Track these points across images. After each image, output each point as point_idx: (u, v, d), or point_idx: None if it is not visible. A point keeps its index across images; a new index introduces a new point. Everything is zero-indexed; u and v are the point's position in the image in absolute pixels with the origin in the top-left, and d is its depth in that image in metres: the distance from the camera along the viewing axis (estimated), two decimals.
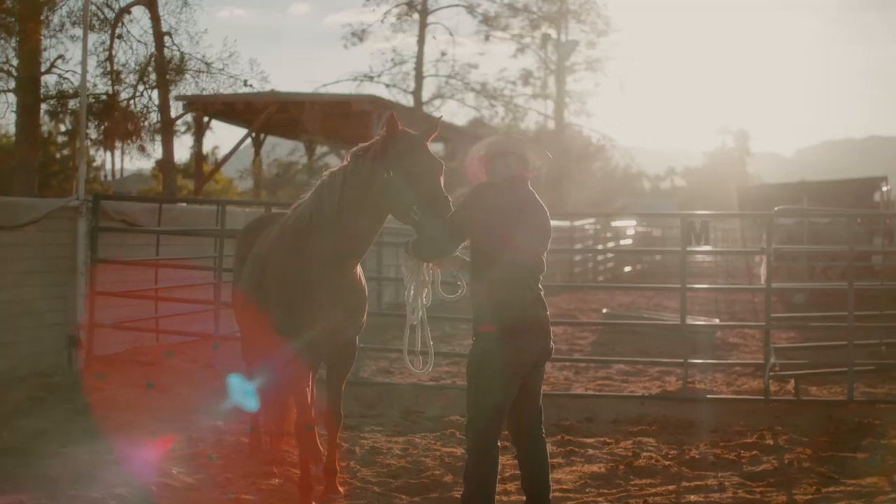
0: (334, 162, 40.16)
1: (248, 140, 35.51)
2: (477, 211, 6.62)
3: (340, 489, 8.08)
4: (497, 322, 6.61)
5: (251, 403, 8.13)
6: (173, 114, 22.46)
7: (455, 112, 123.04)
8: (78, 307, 13.19)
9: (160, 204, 15.08)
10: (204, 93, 21.96)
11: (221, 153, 47.03)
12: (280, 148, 39.56)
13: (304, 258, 7.48)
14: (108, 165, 50.95)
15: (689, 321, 15.82)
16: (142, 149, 22.41)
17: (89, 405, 10.93)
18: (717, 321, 19.84)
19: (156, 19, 20.60)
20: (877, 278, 30.21)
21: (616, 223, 41.13)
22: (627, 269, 40.82)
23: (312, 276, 7.44)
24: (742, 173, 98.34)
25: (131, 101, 20.98)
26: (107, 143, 22.99)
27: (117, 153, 42.05)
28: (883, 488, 8.35)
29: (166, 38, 20.87)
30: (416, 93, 36.92)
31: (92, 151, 29.89)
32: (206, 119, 31.39)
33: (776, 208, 12.87)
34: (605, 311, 22.58)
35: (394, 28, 37.41)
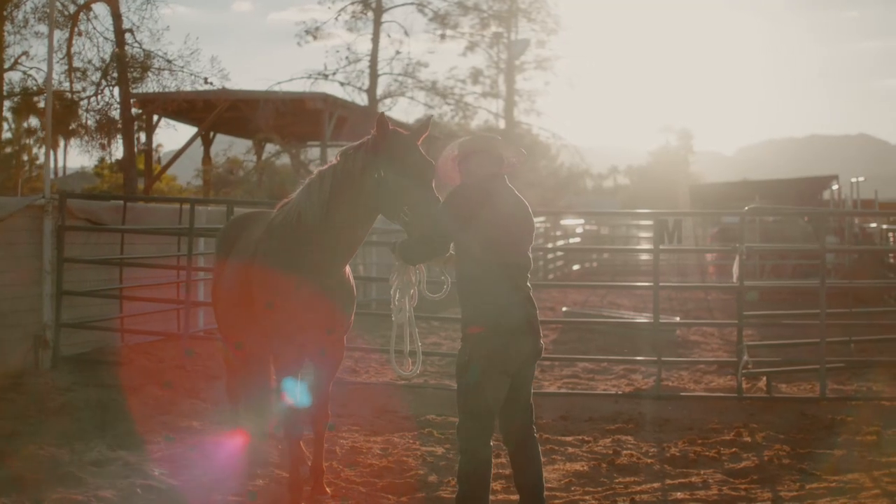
0: (286, 161, 40.00)
1: (195, 137, 35.30)
2: (461, 211, 6.59)
3: (327, 490, 8.02)
4: (486, 323, 6.59)
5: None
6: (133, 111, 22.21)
7: (408, 111, 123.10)
8: (45, 307, 12.98)
9: (124, 202, 14.88)
10: (166, 90, 21.75)
11: (164, 151, 46.61)
12: (236, 147, 39.26)
13: (293, 257, 7.41)
14: (53, 163, 50.20)
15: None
16: (102, 146, 22.14)
17: (62, 406, 10.76)
18: (677, 319, 19.94)
19: (116, 16, 20.35)
20: (829, 276, 30.79)
21: (564, 221, 41.18)
22: (576, 267, 40.96)
23: (301, 276, 7.37)
24: (685, 172, 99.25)
25: (93, 99, 20.73)
26: (67, 139, 22.65)
27: (60, 150, 41.45)
28: (864, 484, 8.45)
29: (128, 35, 20.63)
30: (371, 91, 36.80)
31: (36, 149, 29.50)
32: (155, 117, 31.12)
33: (746, 207, 12.96)
34: (564, 309, 22.58)
35: (348, 26, 37.31)
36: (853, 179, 31.35)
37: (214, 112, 31.45)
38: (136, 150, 23.32)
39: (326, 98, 34.47)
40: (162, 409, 11.07)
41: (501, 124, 50.33)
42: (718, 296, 30.20)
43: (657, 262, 12.69)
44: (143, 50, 20.74)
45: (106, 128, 21.46)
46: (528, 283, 6.84)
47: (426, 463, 9.18)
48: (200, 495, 7.99)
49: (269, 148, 40.07)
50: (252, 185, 36.04)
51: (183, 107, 26.86)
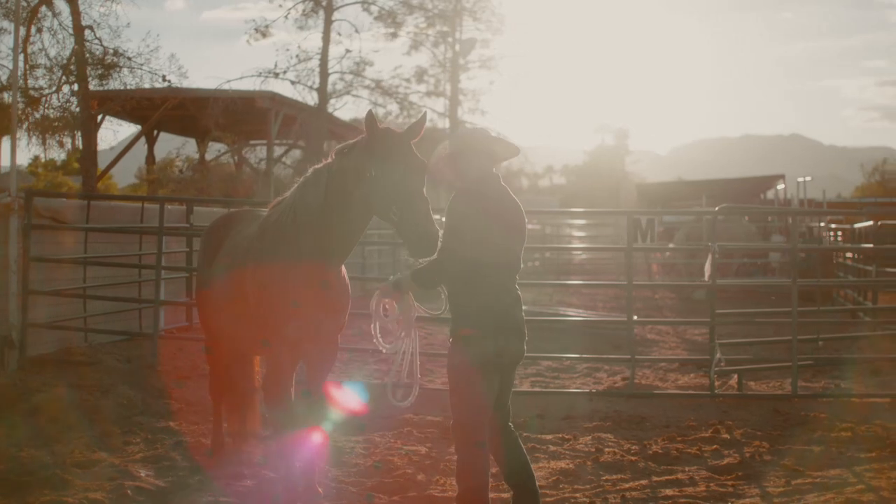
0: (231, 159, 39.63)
1: (140, 136, 34.85)
2: (459, 222, 6.57)
3: (320, 490, 7.97)
4: (479, 325, 6.59)
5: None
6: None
7: (354, 109, 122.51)
8: (10, 307, 12.75)
9: (88, 201, 14.68)
10: (128, 87, 21.48)
11: (100, 149, 45.91)
12: (190, 146, 38.85)
13: (288, 256, 7.35)
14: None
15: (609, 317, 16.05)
16: (60, 144, 21.83)
17: (35, 408, 10.59)
18: (635, 318, 20.04)
19: (76, 13, 20.05)
20: (774, 275, 31.25)
21: None
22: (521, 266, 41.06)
23: (296, 275, 7.31)
24: (621, 171, 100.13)
25: (54, 96, 20.43)
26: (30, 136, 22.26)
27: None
28: (848, 480, 8.57)
29: (88, 32, 20.34)
30: (322, 89, 36.56)
31: None
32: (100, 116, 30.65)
33: (718, 206, 13.08)
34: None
35: (298, 24, 37.04)
36: (799, 179, 31.78)
37: (159, 110, 31.05)
38: (52, 149, 23.03)
39: (273, 97, 34.20)
40: (136, 410, 10.97)
41: (446, 123, 50.34)
42: (665, 294, 30.55)
43: (630, 260, 12.79)
44: (103, 47, 20.49)
45: (62, 125, 21.13)
46: (517, 285, 6.85)
47: (412, 462, 9.15)
48: (191, 496, 7.93)
49: (214, 146, 39.76)
50: (197, 184, 35.62)
51: (130, 105, 26.54)
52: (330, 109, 37.88)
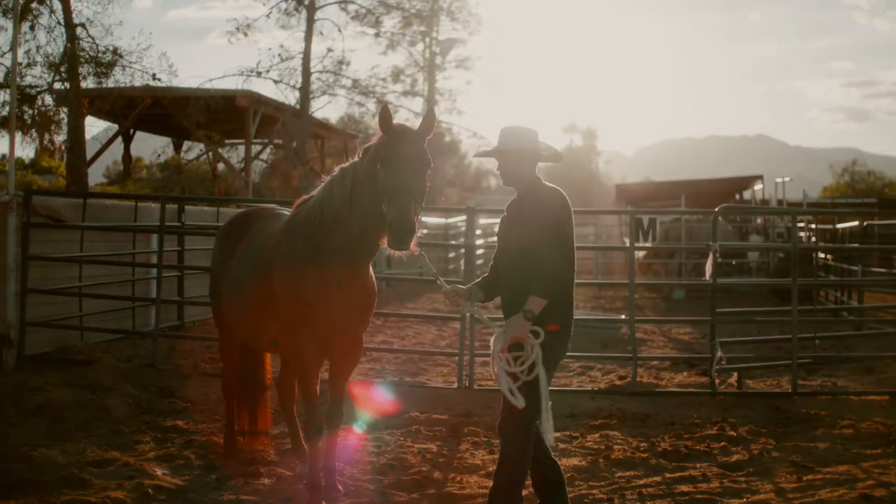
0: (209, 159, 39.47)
1: (117, 135, 34.66)
2: (565, 226, 6.67)
3: (340, 488, 7.99)
4: (561, 322, 6.72)
5: None
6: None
7: (332, 108, 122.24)
8: (9, 305, 12.68)
9: (84, 199, 14.60)
10: (121, 85, 21.38)
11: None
12: (169, 145, 38.72)
13: (318, 255, 7.33)
14: None
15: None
16: (52, 142, 21.68)
17: (40, 407, 10.54)
18: (622, 316, 20.19)
19: (67, 10, 19.93)
20: (752, 275, 31.52)
21: (484, 220, 41.36)
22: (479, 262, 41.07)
23: (326, 273, 7.31)
24: (591, 171, 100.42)
25: (45, 93, 20.30)
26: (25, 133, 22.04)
27: None
28: (857, 475, 8.67)
29: (81, 30, 20.22)
30: (304, 89, 36.51)
31: None
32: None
33: (718, 207, 13.18)
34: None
35: (280, 23, 37.04)
36: (778, 180, 32.06)
37: (137, 109, 30.90)
38: (19, 147, 22.83)
39: (251, 95, 34.12)
40: (141, 409, 10.94)
41: None
42: (643, 293, 30.68)
43: (632, 259, 12.87)
44: (96, 44, 20.36)
45: (45, 123, 21.00)
46: None
47: (426, 460, 9.17)
48: (213, 495, 7.93)
49: (191, 145, 39.60)
50: (172, 185, 35.46)
51: (120, 103, 26.36)
52: (315, 109, 37.96)
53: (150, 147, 41.69)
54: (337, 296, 7.32)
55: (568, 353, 13.80)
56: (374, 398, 11.42)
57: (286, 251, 7.60)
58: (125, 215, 15.91)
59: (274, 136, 35.87)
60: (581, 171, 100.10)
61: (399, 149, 6.76)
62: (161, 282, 13.74)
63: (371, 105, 45.33)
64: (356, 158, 7.37)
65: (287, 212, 8.52)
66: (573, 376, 14.40)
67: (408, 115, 50.61)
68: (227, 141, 39.66)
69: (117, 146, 36.52)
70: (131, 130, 37.03)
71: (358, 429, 10.13)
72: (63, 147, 23.97)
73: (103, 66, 20.34)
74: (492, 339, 6.72)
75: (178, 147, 40.61)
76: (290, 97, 36.99)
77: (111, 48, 20.54)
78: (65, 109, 21.02)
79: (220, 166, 38.34)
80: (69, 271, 14.20)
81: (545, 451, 7.00)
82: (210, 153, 37.69)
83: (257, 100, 34.34)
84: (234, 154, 38.71)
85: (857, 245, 19.95)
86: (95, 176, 66.20)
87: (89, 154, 32.33)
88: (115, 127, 34.95)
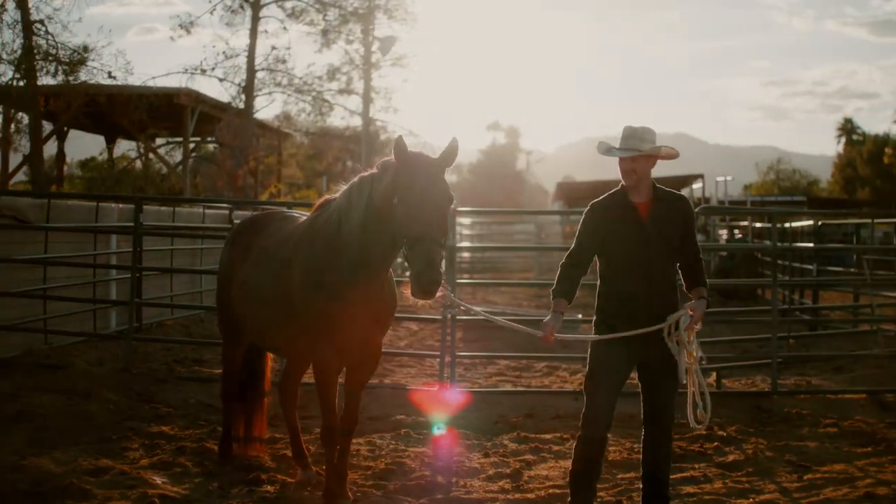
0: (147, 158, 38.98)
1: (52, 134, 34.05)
2: None
3: (350, 495, 7.88)
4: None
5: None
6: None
7: (270, 108, 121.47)
8: None
9: (48, 199, 14.28)
10: (72, 82, 20.98)
11: None
12: (123, 145, 38.21)
13: (339, 260, 7.19)
14: None
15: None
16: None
17: (20, 414, 10.22)
18: (580, 316, 20.16)
19: (24, 8, 19.50)
20: (709, 275, 31.76)
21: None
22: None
23: (349, 279, 7.15)
24: (515, 170, 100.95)
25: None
26: None
27: None
28: (854, 474, 8.79)
29: (39, 27, 19.78)
30: (248, 87, 36.15)
31: None
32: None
33: (699, 207, 13.28)
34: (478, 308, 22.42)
35: (224, 20, 36.64)
36: (719, 178, 32.45)
37: (73, 108, 30.35)
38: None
39: (189, 93, 33.78)
40: (123, 415, 10.66)
41: (358, 122, 50.13)
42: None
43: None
44: (56, 42, 19.95)
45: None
46: None
47: (425, 464, 9.11)
48: (219, 503, 7.79)
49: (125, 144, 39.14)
50: (105, 183, 34.91)
51: (84, 101, 25.86)
52: (257, 109, 37.68)
53: (78, 146, 41.10)
54: (359, 302, 7.19)
55: (530, 354, 13.91)
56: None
57: (305, 258, 7.44)
58: (85, 216, 15.58)
59: (219, 135, 35.46)
60: (505, 169, 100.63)
61: (418, 185, 6.45)
62: (113, 284, 13.47)
63: (306, 104, 44.98)
64: (374, 170, 7.18)
65: (297, 214, 8.42)
66: (542, 376, 14.39)
67: (343, 112, 50.37)
68: (168, 140, 39.18)
69: (51, 145, 35.93)
70: (65, 128, 36.38)
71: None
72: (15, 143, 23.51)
73: (70, 65, 19.93)
74: (679, 321, 6.82)
75: (109, 146, 40.04)
76: (229, 95, 36.63)
77: (82, 46, 20.15)
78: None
79: (159, 166, 37.94)
80: (33, 273, 13.86)
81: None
82: (150, 152, 37.23)
83: (196, 98, 34.01)
84: (177, 154, 38.23)
85: (849, 245, 20.21)
86: (20, 175, 65.08)
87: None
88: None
